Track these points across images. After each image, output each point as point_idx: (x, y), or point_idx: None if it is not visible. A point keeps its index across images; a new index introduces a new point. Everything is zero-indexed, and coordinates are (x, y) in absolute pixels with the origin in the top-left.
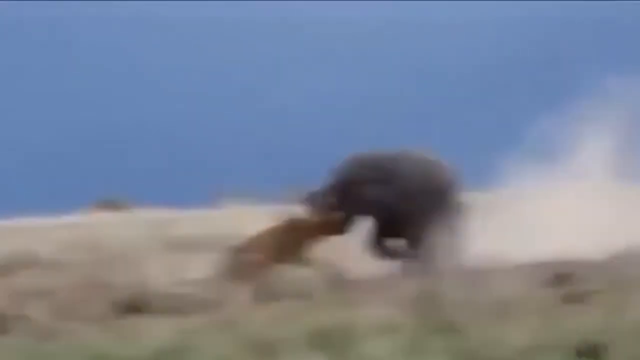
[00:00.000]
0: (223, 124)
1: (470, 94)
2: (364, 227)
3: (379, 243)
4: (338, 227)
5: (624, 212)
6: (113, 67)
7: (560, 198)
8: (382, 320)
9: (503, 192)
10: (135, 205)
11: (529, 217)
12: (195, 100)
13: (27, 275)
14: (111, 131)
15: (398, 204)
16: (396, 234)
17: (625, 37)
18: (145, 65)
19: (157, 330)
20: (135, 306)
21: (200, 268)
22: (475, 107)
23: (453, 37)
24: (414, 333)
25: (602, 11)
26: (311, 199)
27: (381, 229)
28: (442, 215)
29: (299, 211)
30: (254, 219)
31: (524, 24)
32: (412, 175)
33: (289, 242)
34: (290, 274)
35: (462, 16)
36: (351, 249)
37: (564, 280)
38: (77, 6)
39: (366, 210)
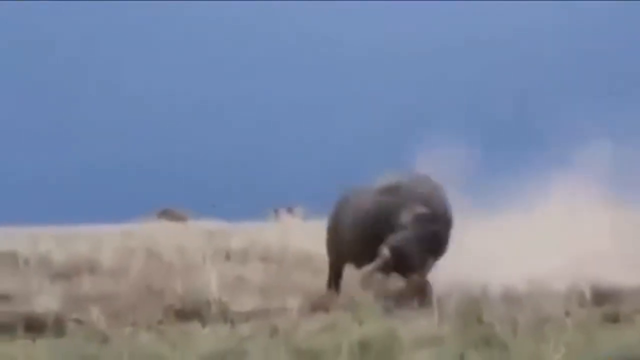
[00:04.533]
0: (286, 144)
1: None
2: None
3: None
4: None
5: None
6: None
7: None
8: (424, 333)
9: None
10: (193, 217)
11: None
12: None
13: (86, 281)
14: (176, 145)
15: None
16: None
17: None
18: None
19: (208, 337)
20: (189, 313)
21: (252, 278)
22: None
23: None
24: (456, 346)
25: None
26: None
27: None
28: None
29: None
30: (304, 233)
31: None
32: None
33: None
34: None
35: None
36: None
37: (602, 300)
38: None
39: None
